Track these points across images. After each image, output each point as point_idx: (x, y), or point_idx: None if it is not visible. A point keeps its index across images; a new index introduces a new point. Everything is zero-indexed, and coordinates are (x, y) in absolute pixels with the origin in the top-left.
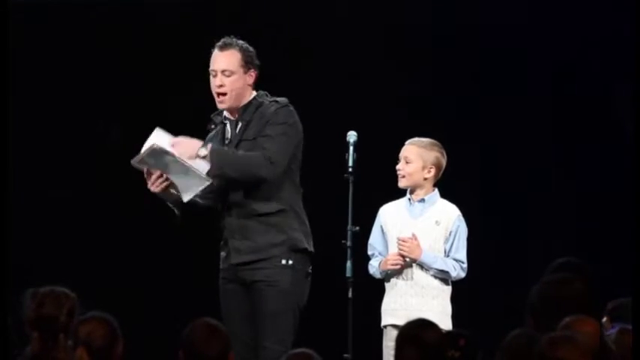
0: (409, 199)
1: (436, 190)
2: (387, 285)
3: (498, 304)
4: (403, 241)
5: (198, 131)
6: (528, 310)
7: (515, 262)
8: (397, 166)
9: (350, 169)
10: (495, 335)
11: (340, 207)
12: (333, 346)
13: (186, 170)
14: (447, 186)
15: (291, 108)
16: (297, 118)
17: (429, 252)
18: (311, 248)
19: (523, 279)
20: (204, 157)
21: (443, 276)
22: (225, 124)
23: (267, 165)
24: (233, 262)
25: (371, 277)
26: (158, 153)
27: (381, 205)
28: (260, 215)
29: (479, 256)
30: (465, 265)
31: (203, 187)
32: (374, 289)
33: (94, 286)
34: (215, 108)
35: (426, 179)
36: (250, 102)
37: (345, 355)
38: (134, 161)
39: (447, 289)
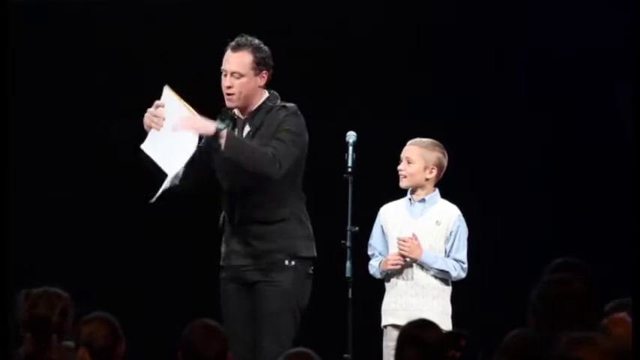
0: (410, 199)
1: (437, 190)
2: (387, 285)
3: (498, 304)
4: (403, 241)
5: None
6: (530, 310)
7: (515, 262)
8: (399, 167)
9: (349, 169)
10: (495, 335)
11: (340, 207)
12: (333, 346)
13: (177, 138)
14: (448, 186)
15: (300, 115)
16: (305, 127)
17: (430, 252)
18: (312, 253)
19: (523, 279)
20: (219, 134)
21: (443, 276)
22: (235, 122)
23: (274, 164)
24: (233, 263)
25: (371, 278)
26: (170, 100)
27: (380, 205)
28: (261, 223)
29: (479, 256)
30: (466, 266)
31: (187, 159)
32: (374, 290)
33: (94, 286)
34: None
35: (427, 180)
36: (260, 106)
37: (345, 355)
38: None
39: (448, 290)
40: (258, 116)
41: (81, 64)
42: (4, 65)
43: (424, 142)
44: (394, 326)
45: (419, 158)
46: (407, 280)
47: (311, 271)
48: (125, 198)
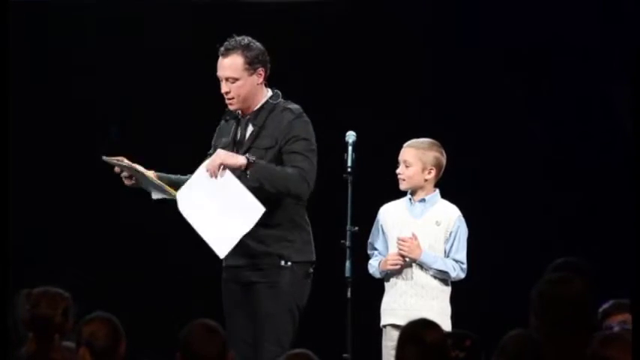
0: (410, 199)
1: (437, 190)
2: (386, 285)
3: (498, 305)
4: (403, 240)
5: (198, 129)
6: (531, 309)
7: (516, 262)
8: (397, 170)
9: (349, 169)
10: (495, 335)
11: (339, 207)
12: (333, 346)
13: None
14: (448, 186)
15: (307, 119)
16: (313, 131)
17: (429, 252)
18: (309, 258)
19: (523, 279)
20: (246, 166)
21: (442, 276)
22: (238, 120)
23: (304, 183)
24: (232, 263)
25: (370, 277)
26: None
27: (380, 205)
28: (259, 226)
29: (479, 257)
30: (465, 266)
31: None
32: (373, 289)
33: (94, 286)
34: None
35: (426, 180)
36: (263, 105)
37: (345, 355)
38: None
39: (447, 290)
40: (260, 115)
41: (81, 63)
42: (4, 65)
43: (421, 142)
44: (393, 326)
45: (416, 160)
46: (406, 280)
47: (310, 271)
48: (125, 198)
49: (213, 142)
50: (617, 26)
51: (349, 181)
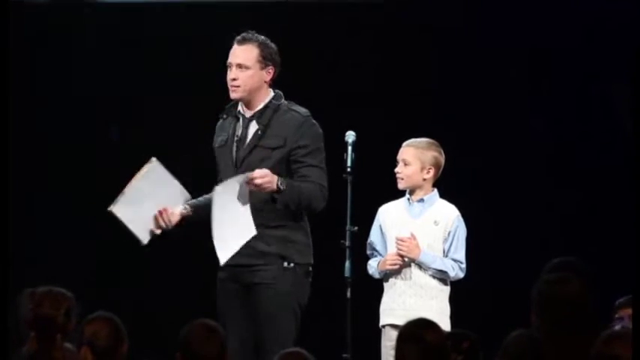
0: (408, 199)
1: (435, 190)
2: (385, 285)
3: (497, 305)
4: (402, 240)
5: (198, 129)
6: (532, 309)
7: (514, 262)
8: (396, 169)
9: (349, 169)
10: (495, 335)
11: (339, 207)
12: (332, 346)
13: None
14: (447, 186)
15: (315, 122)
16: (321, 131)
17: (428, 252)
18: (308, 260)
19: (522, 279)
20: (279, 191)
21: (441, 276)
22: (238, 119)
23: (324, 201)
24: (232, 263)
25: (369, 277)
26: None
27: (379, 205)
28: (260, 227)
29: (478, 257)
30: (464, 266)
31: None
32: (372, 289)
33: (94, 287)
34: (228, 100)
35: (425, 180)
36: (267, 105)
37: (344, 355)
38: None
39: (446, 290)
40: (265, 114)
41: (81, 63)
42: (4, 65)
43: (419, 142)
44: (392, 326)
45: (415, 160)
46: (405, 279)
47: (310, 269)
48: None
49: (214, 141)
50: (617, 26)
51: (349, 181)
